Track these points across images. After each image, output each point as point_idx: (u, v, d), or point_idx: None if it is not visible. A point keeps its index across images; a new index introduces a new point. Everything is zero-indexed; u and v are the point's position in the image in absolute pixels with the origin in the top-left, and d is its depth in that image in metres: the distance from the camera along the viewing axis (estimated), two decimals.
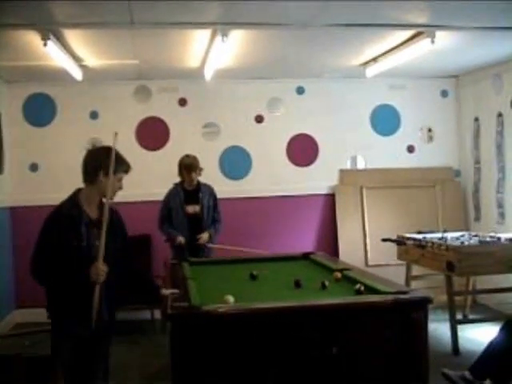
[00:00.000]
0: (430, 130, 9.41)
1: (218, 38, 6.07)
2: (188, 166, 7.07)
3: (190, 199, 7.15)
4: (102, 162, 4.06)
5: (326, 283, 4.61)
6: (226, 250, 7.12)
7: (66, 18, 5.61)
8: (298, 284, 4.71)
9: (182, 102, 8.81)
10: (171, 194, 7.21)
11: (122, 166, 4.17)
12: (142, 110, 8.77)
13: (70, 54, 6.85)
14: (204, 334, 3.68)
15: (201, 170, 7.19)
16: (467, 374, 5.39)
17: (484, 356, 5.43)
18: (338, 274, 5.03)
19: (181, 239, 6.98)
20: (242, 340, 3.72)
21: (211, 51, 6.77)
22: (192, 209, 7.13)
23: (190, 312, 3.73)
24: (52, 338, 4.04)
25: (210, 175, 8.55)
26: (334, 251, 8.69)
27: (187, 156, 7.21)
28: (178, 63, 7.63)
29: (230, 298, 4.14)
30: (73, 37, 6.22)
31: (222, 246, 7.17)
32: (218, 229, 7.25)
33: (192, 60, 7.45)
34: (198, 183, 7.22)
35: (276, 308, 3.87)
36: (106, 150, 4.12)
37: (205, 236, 7.06)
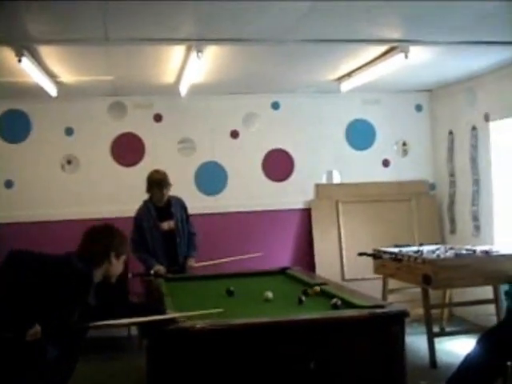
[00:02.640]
0: (404, 144, 9.47)
1: (193, 53, 6.06)
2: (159, 181, 6.84)
3: (162, 216, 6.89)
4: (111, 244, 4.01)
5: (303, 298, 4.62)
6: (212, 264, 7.06)
7: (41, 35, 5.58)
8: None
9: (158, 118, 8.80)
10: (143, 214, 6.89)
11: (126, 246, 4.15)
12: (117, 126, 8.74)
13: (44, 71, 6.82)
14: (181, 350, 3.66)
15: (171, 185, 6.93)
16: None
17: (461, 369, 5.43)
18: (318, 288, 5.05)
19: (158, 268, 6.62)
20: (219, 356, 3.71)
21: (186, 67, 6.76)
22: (167, 225, 6.89)
23: (166, 328, 3.71)
24: None
25: (186, 191, 8.53)
26: (311, 266, 8.68)
27: (156, 172, 7.00)
28: (153, 79, 7.62)
29: (269, 294, 4.59)
30: (47, 53, 6.19)
31: (208, 262, 7.04)
32: (196, 243, 7.09)
33: (167, 76, 7.45)
34: (168, 197, 6.96)
35: (253, 324, 3.86)
36: (112, 231, 4.07)
37: (192, 262, 6.92)
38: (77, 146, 8.38)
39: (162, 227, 6.87)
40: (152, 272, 6.56)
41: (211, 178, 8.83)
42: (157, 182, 6.84)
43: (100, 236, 4.06)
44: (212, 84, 7.99)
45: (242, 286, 5.32)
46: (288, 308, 4.53)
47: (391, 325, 3.89)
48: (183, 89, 7.85)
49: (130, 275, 6.73)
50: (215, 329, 3.76)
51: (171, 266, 6.76)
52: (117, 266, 4.04)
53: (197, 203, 8.54)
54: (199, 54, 6.02)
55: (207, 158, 8.89)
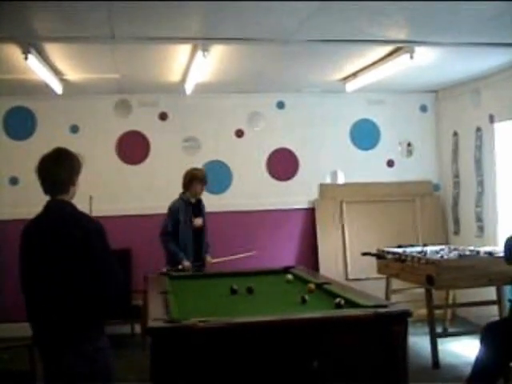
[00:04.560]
0: (409, 145, 9.47)
1: (199, 52, 6.08)
2: (202, 178, 7.15)
3: (194, 212, 7.18)
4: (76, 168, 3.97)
5: (306, 297, 4.63)
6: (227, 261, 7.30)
7: (47, 32, 5.61)
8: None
9: (163, 117, 8.81)
10: (179, 206, 7.11)
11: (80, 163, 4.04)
12: (123, 124, 8.76)
13: (50, 68, 6.84)
14: (184, 348, 3.67)
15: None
16: None
17: (475, 370, 5.44)
18: (312, 286, 5.07)
19: (186, 264, 6.87)
20: (223, 354, 3.72)
21: (192, 66, 6.78)
22: (197, 222, 7.15)
23: (169, 326, 3.72)
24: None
25: None
26: (315, 265, 8.70)
27: (197, 169, 7.33)
28: (158, 77, 7.64)
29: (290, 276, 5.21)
30: (53, 50, 6.21)
31: (223, 259, 7.29)
32: (209, 243, 7.38)
33: (173, 74, 7.46)
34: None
35: (256, 322, 3.88)
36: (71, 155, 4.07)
37: (210, 259, 7.24)
38: (82, 144, 8.37)
39: (194, 223, 7.12)
40: (180, 267, 6.82)
41: (216, 176, 8.81)
42: (200, 177, 7.15)
43: (62, 163, 3.99)
44: (217, 83, 8.01)
45: (246, 284, 5.32)
46: (291, 307, 4.55)
47: (394, 325, 3.90)
48: (189, 87, 7.87)
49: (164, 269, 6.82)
50: (218, 327, 3.76)
51: (196, 261, 7.04)
52: (77, 187, 3.92)
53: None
54: (205, 52, 6.04)
55: (212, 156, 8.90)
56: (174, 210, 7.10)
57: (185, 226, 7.06)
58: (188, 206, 7.14)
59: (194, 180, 7.13)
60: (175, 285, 5.63)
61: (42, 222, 3.78)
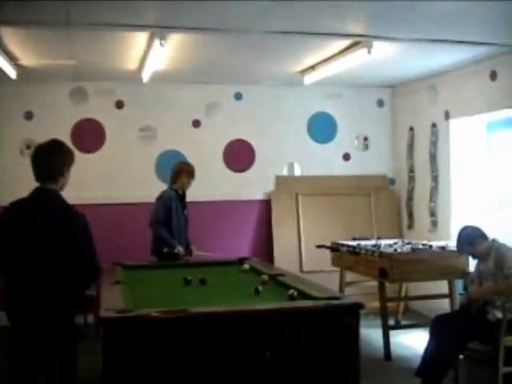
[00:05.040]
0: (365, 139, 9.53)
1: (156, 41, 6.02)
2: (191, 172, 7.30)
3: (183, 203, 7.35)
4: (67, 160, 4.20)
5: (260, 288, 4.63)
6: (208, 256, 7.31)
7: (1, 16, 5.49)
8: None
9: (119, 105, 8.72)
10: (171, 197, 7.21)
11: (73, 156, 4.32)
12: (78, 112, 8.63)
13: (4, 52, 6.72)
14: (136, 338, 3.64)
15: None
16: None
17: (423, 359, 5.52)
18: (265, 277, 5.07)
19: (181, 249, 7.03)
20: (175, 345, 3.70)
21: (149, 54, 6.71)
22: (185, 212, 7.34)
23: (121, 316, 3.68)
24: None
25: (146, 179, 8.56)
26: (270, 257, 8.71)
27: (186, 163, 7.52)
28: (115, 65, 7.55)
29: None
30: (8, 35, 6.10)
31: (207, 254, 7.36)
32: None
33: (130, 62, 7.38)
34: None
35: (208, 313, 3.86)
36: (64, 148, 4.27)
37: (195, 249, 7.40)
38: (36, 131, 8.23)
39: (184, 214, 7.32)
40: (176, 251, 6.97)
41: (171, 166, 8.75)
42: (188, 171, 7.30)
43: (53, 153, 4.17)
44: (175, 72, 7.95)
45: (200, 275, 5.30)
46: (244, 298, 4.54)
47: (346, 316, 3.91)
48: (146, 76, 7.78)
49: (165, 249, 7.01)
50: (171, 317, 3.74)
51: (186, 251, 7.21)
52: (68, 178, 4.20)
53: (157, 192, 8.49)
54: (162, 41, 5.97)
55: (168, 146, 8.83)
56: (166, 199, 7.20)
57: (177, 216, 7.19)
58: (178, 196, 7.26)
59: (181, 173, 7.26)
60: (129, 275, 5.59)
61: (28, 206, 4.03)
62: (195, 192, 8.48)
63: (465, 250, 5.79)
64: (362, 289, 7.70)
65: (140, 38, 6.26)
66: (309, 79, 8.15)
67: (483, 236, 5.67)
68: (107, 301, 4.19)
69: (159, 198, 7.24)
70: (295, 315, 3.94)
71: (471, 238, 5.66)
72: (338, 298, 4.12)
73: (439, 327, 5.57)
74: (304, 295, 4.34)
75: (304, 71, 8.03)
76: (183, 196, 7.36)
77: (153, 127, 8.81)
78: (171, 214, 7.14)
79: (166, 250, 6.97)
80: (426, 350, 5.54)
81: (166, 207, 7.14)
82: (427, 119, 8.70)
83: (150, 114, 8.80)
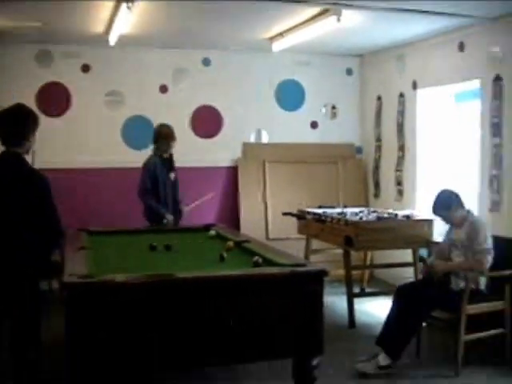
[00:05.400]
0: (333, 107, 9.53)
1: (123, 4, 5.93)
2: (168, 135, 7.22)
3: (168, 167, 7.30)
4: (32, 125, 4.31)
5: (225, 255, 4.64)
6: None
7: None
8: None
9: (85, 69, 8.58)
10: (155, 163, 7.20)
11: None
12: (44, 75, 8.46)
13: None
14: (99, 303, 3.64)
15: (176, 139, 7.34)
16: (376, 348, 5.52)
17: (384, 327, 5.59)
18: (231, 244, 5.09)
19: (170, 218, 7.10)
20: (139, 310, 3.69)
21: (116, 17, 6.61)
22: (172, 176, 7.32)
23: (85, 281, 3.67)
24: None
25: (112, 144, 8.51)
26: (236, 224, 8.72)
27: (163, 125, 7.38)
28: (82, 28, 7.41)
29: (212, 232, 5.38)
30: None
31: (196, 202, 7.60)
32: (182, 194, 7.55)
33: (97, 25, 7.25)
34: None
35: (172, 279, 3.86)
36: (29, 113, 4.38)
37: (186, 208, 7.46)
38: (1, 94, 8.10)
39: (170, 177, 7.29)
40: (165, 221, 7.07)
41: (138, 132, 8.68)
42: (166, 134, 7.25)
43: (18, 118, 4.27)
44: (142, 36, 7.85)
45: (165, 241, 5.30)
46: (209, 264, 4.55)
47: (311, 283, 3.94)
48: (112, 39, 7.66)
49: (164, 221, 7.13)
50: (135, 283, 3.74)
51: (176, 214, 7.24)
52: (33, 143, 4.32)
53: (123, 157, 8.47)
54: (129, 4, 5.89)
55: (135, 111, 8.74)
56: (150, 166, 7.19)
57: (163, 182, 7.21)
58: (163, 161, 7.25)
59: (159, 136, 7.26)
60: (93, 241, 5.57)
61: None
62: None
63: (440, 213, 5.77)
64: (327, 256, 7.77)
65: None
66: (277, 46, 8.10)
67: (460, 203, 5.70)
68: (71, 266, 4.16)
69: (144, 166, 7.23)
70: (260, 282, 3.96)
71: (449, 203, 5.65)
72: (302, 265, 4.14)
73: (402, 297, 5.63)
74: (269, 262, 4.36)
75: (273, 38, 7.97)
76: (170, 160, 7.34)
77: (119, 92, 8.71)
78: (158, 182, 7.16)
79: (165, 221, 7.05)
80: (388, 318, 5.61)
81: (151, 175, 7.15)
82: (395, 89, 8.73)
83: (116, 78, 8.68)
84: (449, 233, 5.87)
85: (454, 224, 5.76)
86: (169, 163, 7.33)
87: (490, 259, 5.41)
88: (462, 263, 5.53)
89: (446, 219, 5.80)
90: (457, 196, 5.71)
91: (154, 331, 3.70)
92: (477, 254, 5.43)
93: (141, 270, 4.14)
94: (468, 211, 5.72)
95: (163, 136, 7.24)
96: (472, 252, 5.48)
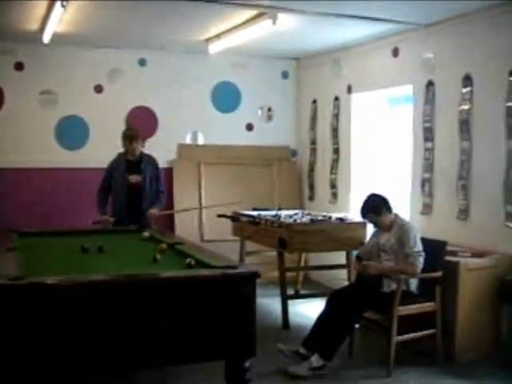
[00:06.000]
0: (269, 110, 9.57)
1: (58, 2, 5.85)
2: (129, 136, 7.25)
3: (132, 169, 7.25)
4: None
5: (158, 257, 4.62)
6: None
7: None
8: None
9: (19, 67, 8.41)
10: (114, 164, 7.31)
11: None
12: None
13: None
14: (29, 305, 3.57)
15: (144, 141, 7.52)
16: (301, 348, 5.56)
17: (313, 330, 5.64)
18: (164, 246, 5.07)
19: (103, 218, 7.12)
20: (70, 312, 3.64)
21: (51, 16, 6.51)
22: (134, 178, 7.22)
23: (13, 283, 3.60)
24: None
25: (45, 144, 8.37)
26: (171, 226, 8.66)
27: (128, 127, 7.72)
28: (16, 25, 7.25)
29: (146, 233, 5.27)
30: None
31: (169, 211, 7.79)
32: (162, 200, 7.52)
33: (31, 22, 7.12)
34: (141, 154, 7.37)
35: (105, 280, 3.83)
36: None
37: (154, 211, 7.26)
38: None
39: (129, 179, 7.22)
40: (98, 219, 7.14)
41: (73, 132, 8.58)
42: (127, 136, 7.29)
43: None
44: (77, 35, 7.74)
45: (98, 243, 5.24)
46: (142, 266, 4.51)
47: (243, 285, 3.95)
48: (46, 37, 7.53)
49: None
50: (65, 285, 3.68)
51: (132, 215, 7.12)
52: None
53: (56, 157, 8.35)
54: (64, 2, 5.81)
55: (69, 111, 8.60)
56: (109, 166, 7.33)
57: (118, 183, 7.23)
58: (125, 162, 7.28)
59: (122, 139, 7.31)
60: (24, 242, 5.47)
61: None
62: (97, 158, 8.35)
63: (369, 217, 5.87)
64: (262, 258, 7.77)
65: None
66: (214, 48, 8.09)
67: (389, 208, 5.79)
68: (1, 267, 4.08)
69: (107, 167, 7.37)
70: (191, 283, 3.95)
71: (377, 207, 5.75)
72: (234, 267, 4.14)
73: (335, 299, 5.69)
74: (202, 264, 4.36)
75: (209, 40, 7.96)
76: (137, 162, 7.32)
77: (53, 91, 8.55)
78: (112, 182, 7.26)
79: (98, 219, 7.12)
80: (319, 320, 5.65)
81: (107, 174, 7.31)
82: (330, 92, 8.81)
83: (50, 77, 8.53)
84: (376, 236, 5.96)
85: (382, 228, 5.84)
86: (135, 166, 7.29)
87: (421, 261, 5.50)
88: (395, 266, 5.60)
89: (375, 223, 5.89)
90: (385, 200, 5.80)
91: (85, 333, 3.66)
92: (409, 257, 5.51)
93: (72, 271, 4.10)
94: (396, 215, 5.81)
95: (123, 137, 7.30)
96: (403, 255, 5.56)
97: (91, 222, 7.17)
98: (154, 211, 7.24)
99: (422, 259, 5.51)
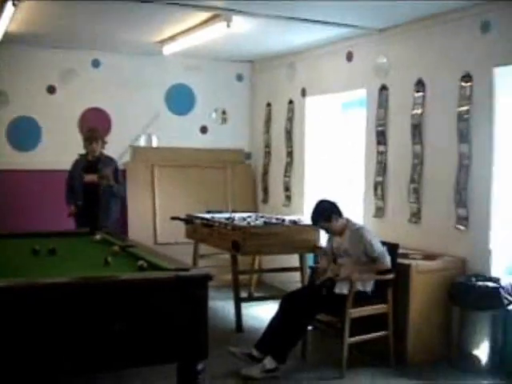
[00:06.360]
0: (224, 113, 9.57)
1: (9, 2, 5.77)
2: (88, 137, 7.57)
3: (89, 169, 7.51)
4: None
5: (109, 259, 4.57)
6: None
7: None
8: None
9: None
10: (75, 164, 7.67)
11: None
12: None
13: None
14: None
15: (104, 142, 7.71)
16: (253, 350, 5.56)
17: (266, 332, 5.65)
18: (116, 248, 5.03)
19: (71, 208, 7.50)
20: (20, 315, 3.58)
21: (2, 15, 6.41)
22: (89, 178, 7.44)
23: None
24: None
25: None
26: (124, 228, 8.59)
27: (89, 129, 7.81)
28: None
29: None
30: None
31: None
32: (119, 188, 7.68)
33: None
34: (100, 154, 7.62)
35: (56, 283, 3.77)
36: None
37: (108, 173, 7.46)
38: None
39: (85, 178, 7.49)
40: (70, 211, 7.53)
41: (25, 133, 8.47)
42: (85, 137, 7.66)
43: None
44: (29, 35, 7.64)
45: (49, 245, 5.17)
46: (94, 269, 4.47)
47: (195, 287, 3.92)
48: None
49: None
50: (15, 287, 3.63)
51: (89, 212, 7.39)
52: None
53: (8, 159, 8.22)
54: (16, 1, 5.73)
55: (21, 112, 8.48)
56: (71, 167, 7.69)
57: (76, 182, 7.55)
58: (83, 162, 7.61)
59: (83, 140, 7.67)
60: None
61: None
62: (49, 159, 8.26)
63: (320, 223, 5.90)
64: (216, 261, 7.76)
65: None
66: (168, 49, 8.06)
67: (339, 213, 5.82)
68: None
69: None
70: (144, 286, 3.92)
71: (328, 213, 5.77)
72: (186, 270, 4.12)
73: (288, 301, 5.70)
74: (154, 266, 4.33)
75: (164, 41, 7.93)
76: (95, 162, 7.56)
77: (4, 91, 8.42)
78: (74, 180, 7.60)
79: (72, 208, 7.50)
80: (272, 322, 5.67)
81: (70, 173, 7.68)
82: (284, 96, 8.85)
83: (1, 77, 8.38)
84: (330, 241, 6.01)
85: (334, 233, 5.88)
86: (92, 166, 7.51)
87: (388, 256, 5.62)
88: (366, 269, 5.65)
89: (326, 229, 5.93)
90: (335, 205, 5.84)
91: (36, 337, 3.60)
92: (377, 260, 5.59)
93: (23, 274, 4.03)
94: (347, 219, 5.85)
95: (83, 138, 7.66)
96: (371, 259, 5.63)
97: (67, 215, 7.49)
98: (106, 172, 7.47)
99: (387, 254, 5.62)
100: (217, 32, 6.90)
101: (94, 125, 8.44)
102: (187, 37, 7.39)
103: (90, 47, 8.58)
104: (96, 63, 8.85)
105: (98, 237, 5.96)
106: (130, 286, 3.89)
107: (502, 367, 5.61)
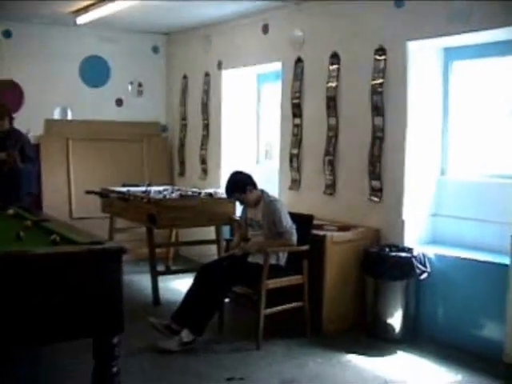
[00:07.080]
0: (140, 85, 9.46)
1: None
2: None
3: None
4: None
5: (22, 234, 4.49)
6: None
7: None
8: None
9: None
10: None
11: None
12: None
13: None
14: None
15: (11, 118, 7.45)
16: (171, 323, 5.57)
17: (182, 305, 5.66)
18: (28, 223, 4.95)
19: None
20: None
21: None
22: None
23: None
24: None
25: None
26: (38, 203, 8.42)
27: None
28: None
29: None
30: None
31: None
32: (27, 166, 7.36)
33: None
34: (9, 129, 7.40)
35: None
36: None
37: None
38: None
39: None
40: None
41: None
42: None
43: None
44: None
45: None
46: (5, 243, 4.37)
47: (108, 261, 3.89)
48: None
49: None
50: None
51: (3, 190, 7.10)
52: None
53: None
54: None
55: None
56: None
57: None
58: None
59: None
60: None
61: None
62: None
63: (234, 195, 5.92)
64: (132, 235, 7.74)
65: None
66: (82, 20, 7.90)
67: (253, 184, 5.85)
68: None
69: None
70: (58, 260, 3.86)
71: (242, 185, 5.80)
72: (100, 243, 4.09)
73: (204, 274, 5.72)
74: (67, 240, 4.27)
75: (77, 12, 7.75)
76: (2, 138, 7.27)
77: None
78: None
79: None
80: (187, 295, 5.68)
81: None
82: (201, 68, 8.81)
83: None
84: (244, 212, 6.05)
85: (248, 205, 5.92)
86: (2, 142, 7.24)
87: (295, 234, 5.65)
88: (272, 243, 5.68)
89: (241, 200, 5.96)
90: (249, 177, 5.88)
91: None
92: (283, 234, 5.64)
93: None
94: (262, 191, 5.89)
95: None
96: (277, 234, 5.67)
97: None
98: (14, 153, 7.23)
99: (294, 231, 5.66)
100: (131, 2, 6.80)
101: (5, 98, 8.24)
102: (101, 8, 7.25)
103: (1, 17, 8.30)
104: (7, 34, 8.56)
105: (10, 211, 5.84)
106: (42, 260, 3.82)
107: (415, 335, 5.79)
